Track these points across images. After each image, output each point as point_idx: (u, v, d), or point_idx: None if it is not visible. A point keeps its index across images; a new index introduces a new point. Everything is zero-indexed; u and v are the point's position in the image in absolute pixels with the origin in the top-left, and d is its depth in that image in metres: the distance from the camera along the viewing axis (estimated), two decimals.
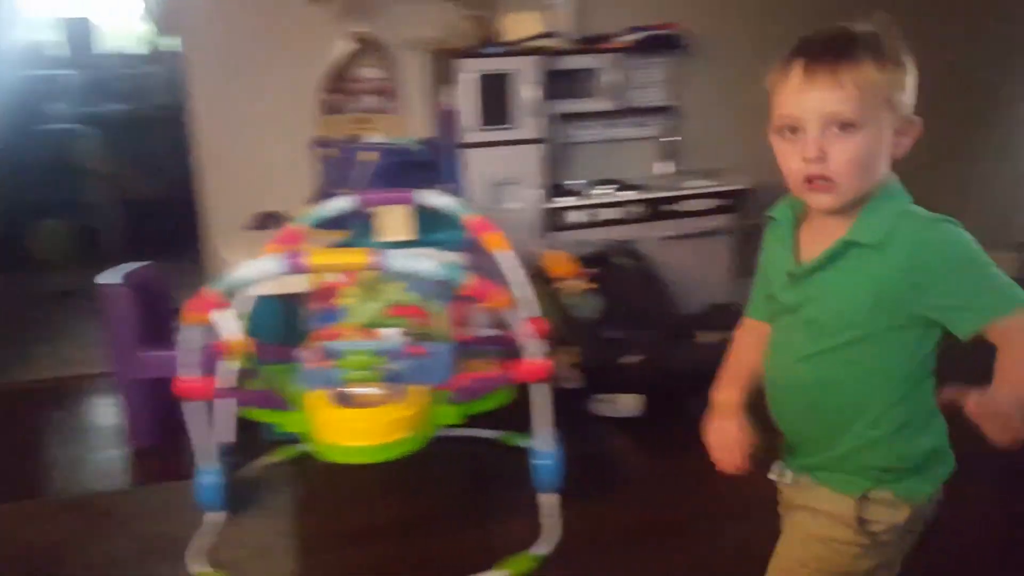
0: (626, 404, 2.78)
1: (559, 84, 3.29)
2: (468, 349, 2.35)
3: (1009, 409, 0.97)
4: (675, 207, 3.40)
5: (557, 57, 3.28)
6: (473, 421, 2.25)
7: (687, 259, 3.40)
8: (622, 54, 3.38)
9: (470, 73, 3.08)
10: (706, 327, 2.91)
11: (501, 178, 3.17)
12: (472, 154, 3.12)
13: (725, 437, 1.30)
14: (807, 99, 1.10)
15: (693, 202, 3.41)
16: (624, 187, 3.40)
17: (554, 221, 3.27)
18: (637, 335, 2.80)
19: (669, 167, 3.63)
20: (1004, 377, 1.03)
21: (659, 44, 3.43)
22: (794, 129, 1.12)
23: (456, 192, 2.87)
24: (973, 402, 0.97)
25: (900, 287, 1.10)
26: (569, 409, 2.82)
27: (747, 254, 3.65)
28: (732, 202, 3.46)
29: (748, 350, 1.34)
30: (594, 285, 2.87)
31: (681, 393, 2.86)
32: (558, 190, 3.34)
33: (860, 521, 1.20)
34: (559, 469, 2.20)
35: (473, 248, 2.51)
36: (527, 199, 3.21)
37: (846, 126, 1.09)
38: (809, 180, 1.12)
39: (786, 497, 1.33)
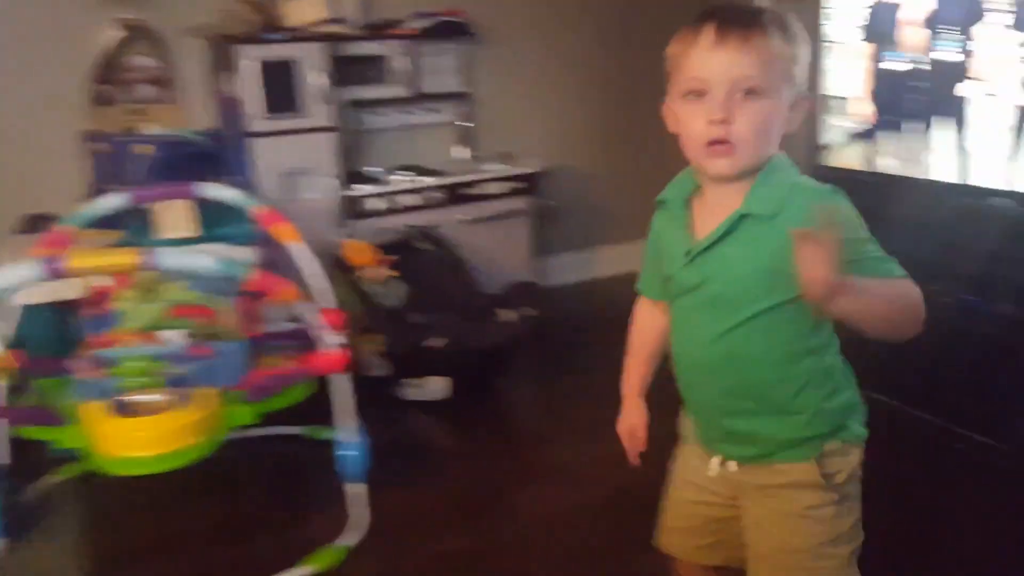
0: (434, 387, 2.79)
1: (349, 71, 3.24)
2: (261, 346, 2.28)
3: (829, 251, 0.98)
4: (473, 191, 3.44)
5: (344, 43, 3.22)
6: (276, 418, 2.20)
7: (487, 241, 3.45)
8: (411, 41, 3.37)
9: (252, 60, 2.97)
10: (507, 306, 2.96)
11: (293, 168, 3.08)
12: (260, 144, 3.01)
13: (629, 427, 1.40)
14: (717, 60, 1.10)
15: (490, 186, 3.47)
16: (422, 173, 3.40)
17: (353, 209, 3.22)
18: (441, 318, 2.81)
19: (466, 152, 3.66)
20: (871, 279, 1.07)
21: (448, 30, 3.44)
22: (700, 93, 1.12)
23: (244, 184, 2.77)
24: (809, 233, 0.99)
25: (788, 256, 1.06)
26: (378, 397, 2.82)
27: (544, 234, 3.81)
28: (527, 184, 3.54)
29: (646, 330, 1.39)
30: (396, 272, 2.86)
31: (485, 372, 2.93)
32: (356, 178, 3.30)
33: (824, 477, 1.21)
34: (364, 458, 2.17)
35: (266, 241, 2.44)
36: (323, 188, 3.14)
37: (751, 92, 1.10)
38: (711, 143, 1.12)
39: (737, 481, 1.28)
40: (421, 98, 3.50)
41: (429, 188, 3.33)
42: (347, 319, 2.78)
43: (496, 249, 3.49)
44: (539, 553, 2.06)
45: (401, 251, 2.97)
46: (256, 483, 2.44)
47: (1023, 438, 2.18)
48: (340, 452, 2.16)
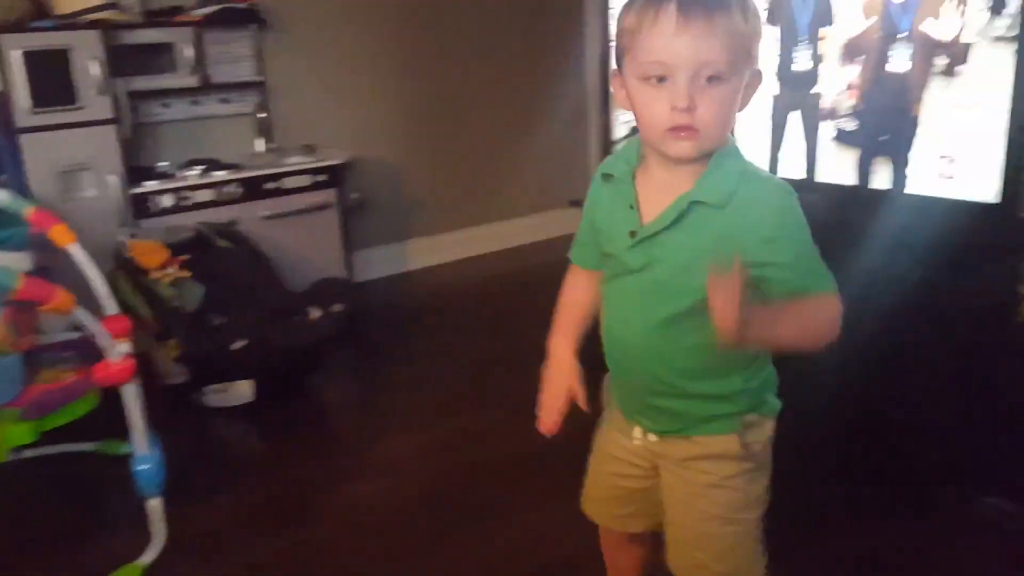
0: (238, 392, 2.67)
1: (130, 60, 3.04)
2: (39, 358, 2.09)
3: (737, 298, 0.99)
4: (274, 185, 3.31)
5: (124, 31, 3.01)
6: (66, 435, 2.04)
7: (293, 237, 3.34)
8: (198, 27, 3.19)
9: (17, 50, 2.71)
10: (315, 303, 2.87)
11: (70, 164, 2.85)
12: (30, 140, 2.76)
13: (564, 388, 1.32)
14: (681, 45, 1.04)
15: (292, 179, 3.35)
16: (218, 167, 3.24)
17: (142, 207, 3.03)
18: (242, 319, 2.68)
19: (264, 144, 3.52)
20: (782, 307, 1.10)
21: (237, 16, 3.29)
22: (661, 77, 1.07)
23: (13, 184, 2.53)
24: (722, 277, 1.00)
25: (739, 245, 1.07)
26: (178, 405, 2.67)
27: (354, 227, 3.74)
28: (331, 177, 3.44)
29: (578, 293, 1.35)
30: (189, 273, 2.70)
31: (293, 372, 2.84)
32: (143, 174, 3.10)
33: (743, 447, 1.24)
34: (159, 472, 2.04)
35: (41, 245, 2.23)
36: (103, 186, 2.92)
37: (714, 78, 1.06)
38: (675, 130, 1.08)
39: (657, 452, 1.31)
40: (212, 88, 3.33)
41: (224, 182, 3.18)
42: (137, 325, 2.61)
43: (303, 245, 3.39)
44: (351, 556, 1.99)
45: (196, 250, 2.81)
46: (45, 506, 2.24)
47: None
48: (136, 467, 2.03)
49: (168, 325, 2.64)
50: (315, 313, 2.81)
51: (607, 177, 1.24)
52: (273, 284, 2.96)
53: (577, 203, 3.21)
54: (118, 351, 1.93)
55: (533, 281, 3.91)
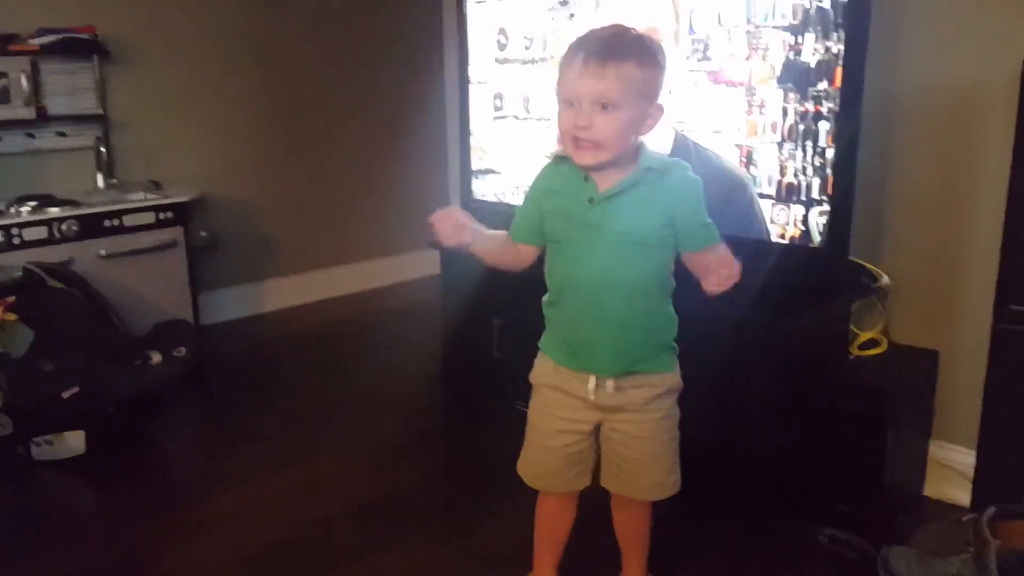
0: (67, 444, 2.50)
1: None
2: None
3: (732, 264, 1.48)
4: (115, 222, 3.15)
5: None
6: None
7: (134, 278, 3.19)
8: (34, 57, 3.03)
9: None
10: (156, 347, 2.74)
11: None
12: None
13: (458, 230, 1.57)
14: (582, 84, 1.44)
15: (134, 216, 3.20)
16: (52, 203, 3.06)
17: None
18: (74, 365, 2.52)
19: (106, 180, 3.35)
20: (717, 252, 1.52)
21: (75, 47, 3.14)
22: (570, 103, 1.46)
23: None
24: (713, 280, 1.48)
25: (673, 209, 1.51)
26: (2, 459, 2.48)
27: (202, 266, 3.60)
28: (177, 214, 3.31)
29: (503, 250, 1.66)
30: (15, 316, 2.52)
31: (129, 421, 2.68)
32: None
33: (680, 380, 1.67)
34: None
35: None
36: None
37: (607, 106, 1.43)
38: (576, 141, 1.47)
39: (602, 403, 1.61)
40: (49, 120, 3.16)
41: (57, 219, 3.00)
42: None
43: (147, 285, 3.24)
44: None
45: (25, 291, 2.63)
46: None
47: None
48: None
49: None
50: (156, 358, 2.68)
51: (560, 159, 1.57)
52: (110, 327, 2.81)
53: (435, 244, 3.24)
54: None
55: (390, 324, 3.88)
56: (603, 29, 1.50)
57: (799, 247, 2.20)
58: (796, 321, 2.15)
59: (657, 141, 2.13)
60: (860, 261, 2.35)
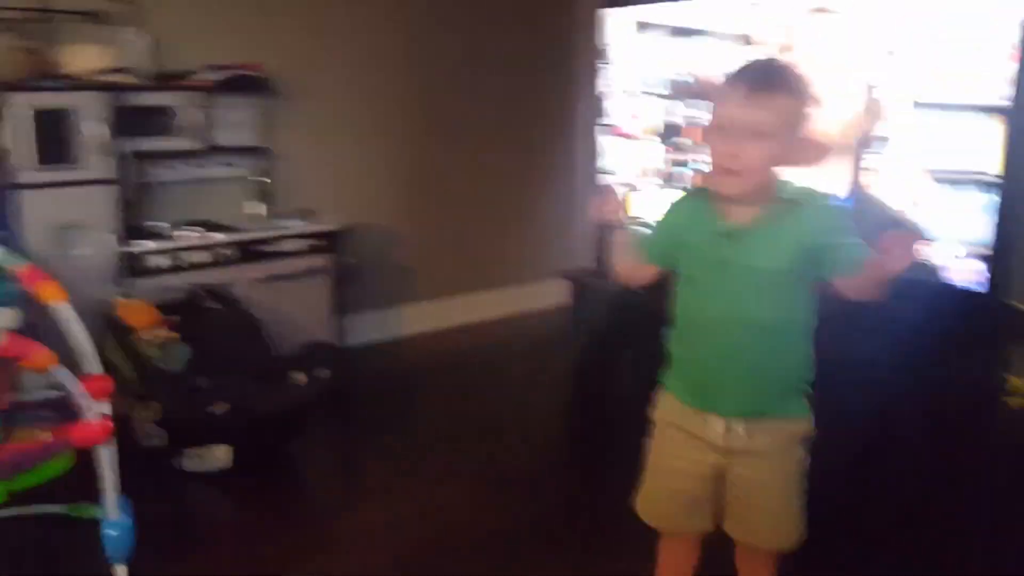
0: (215, 457, 2.64)
1: (135, 122, 3.09)
2: (14, 416, 2.08)
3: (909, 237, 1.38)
4: (268, 248, 3.34)
5: (130, 93, 3.07)
6: (39, 495, 2.03)
7: (284, 300, 3.35)
8: (204, 93, 3.26)
9: (22, 108, 2.77)
10: (301, 367, 2.86)
11: (66, 222, 2.88)
12: (28, 196, 2.80)
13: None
14: (739, 113, 1.44)
15: (286, 243, 3.38)
16: (213, 229, 3.28)
17: (134, 267, 3.05)
18: (225, 382, 2.68)
19: (261, 208, 3.56)
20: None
21: (243, 84, 3.36)
22: (723, 129, 1.45)
23: (7, 239, 2.55)
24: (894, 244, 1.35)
25: (809, 240, 1.46)
26: (154, 469, 2.64)
27: (346, 292, 3.75)
28: (326, 242, 3.48)
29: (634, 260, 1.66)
30: (176, 334, 2.71)
31: (273, 438, 2.81)
32: (139, 233, 3.12)
33: (812, 427, 1.59)
34: (129, 538, 2.02)
35: (28, 302, 2.24)
36: (97, 244, 2.95)
37: (758, 134, 1.43)
38: (724, 169, 1.46)
39: (729, 446, 1.56)
40: (214, 151, 3.38)
41: (219, 244, 3.20)
42: (120, 385, 2.60)
43: (294, 309, 3.40)
44: None
45: (185, 311, 2.83)
46: (9, 570, 2.20)
47: None
48: (105, 531, 2.01)
49: (150, 386, 2.63)
50: (300, 378, 2.81)
51: (698, 193, 1.58)
52: (260, 347, 2.96)
53: (566, 274, 3.25)
54: (96, 411, 1.91)
55: (522, 353, 3.92)
56: (758, 62, 1.53)
57: (954, 289, 2.08)
58: (944, 367, 2.03)
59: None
60: (1017, 304, 2.19)
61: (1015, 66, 1.96)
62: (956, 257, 2.09)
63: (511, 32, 4.25)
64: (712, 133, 1.49)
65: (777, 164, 1.48)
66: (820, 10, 2.38)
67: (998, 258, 2.02)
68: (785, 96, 1.45)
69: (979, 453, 2.00)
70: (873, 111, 2.24)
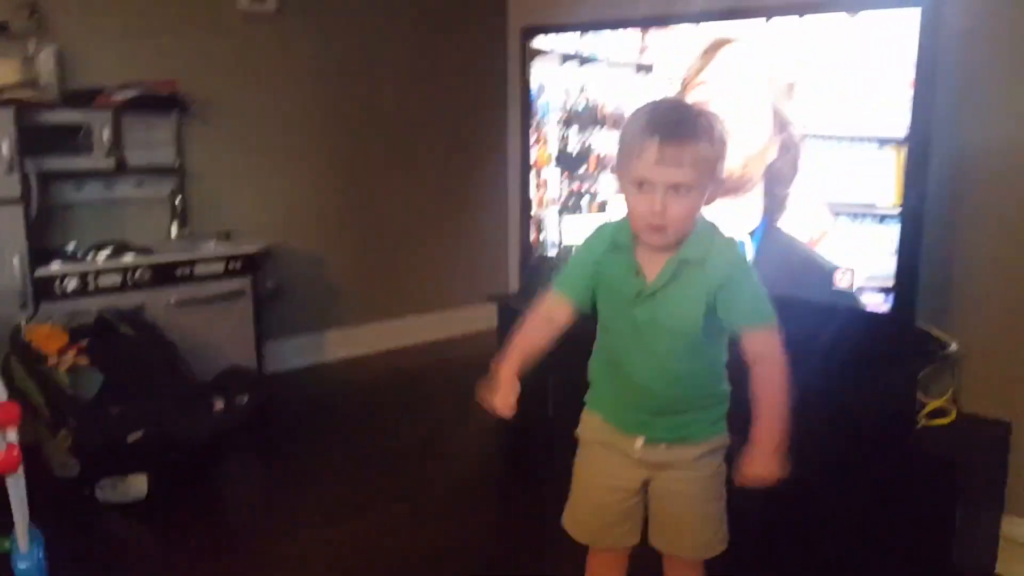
0: (131, 486, 2.55)
1: (43, 140, 2.99)
2: None
3: (772, 464, 1.47)
4: (186, 271, 3.25)
5: (39, 111, 2.97)
6: None
7: (202, 325, 3.26)
8: (118, 111, 3.17)
9: None
10: (220, 393, 2.80)
11: None
12: None
13: (502, 403, 1.56)
14: (659, 171, 1.41)
15: (205, 265, 3.29)
16: (128, 251, 3.17)
17: (43, 290, 2.93)
18: (141, 409, 2.59)
19: (179, 229, 3.47)
20: (761, 428, 1.48)
21: (156, 102, 3.28)
22: (642, 184, 1.43)
23: None
24: (747, 477, 1.48)
25: (713, 295, 1.47)
26: (68, 500, 2.54)
27: (268, 315, 3.68)
28: (246, 264, 3.41)
29: (538, 332, 1.61)
30: (87, 359, 2.61)
31: (192, 465, 2.73)
32: (48, 255, 3.00)
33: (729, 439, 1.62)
34: (40, 570, 1.93)
35: None
36: (7, 266, 2.82)
37: (681, 188, 1.41)
38: (650, 226, 1.45)
39: (654, 460, 1.60)
40: (126, 171, 3.28)
41: (132, 267, 3.10)
42: (30, 413, 2.50)
43: (213, 333, 3.31)
44: None
45: (97, 336, 2.72)
46: None
47: None
48: (17, 565, 1.92)
49: (61, 414, 2.53)
50: (219, 404, 2.74)
51: (616, 247, 1.55)
52: (177, 373, 2.87)
53: (494, 298, 3.25)
54: (4, 440, 1.83)
55: (448, 377, 3.90)
56: (669, 109, 1.48)
57: (864, 312, 2.16)
58: (859, 389, 2.10)
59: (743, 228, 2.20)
60: (928, 328, 2.30)
61: (911, 97, 2.05)
62: (868, 284, 2.18)
63: (441, 53, 4.26)
64: (629, 186, 1.47)
65: (699, 211, 1.48)
66: (724, 41, 2.46)
67: (903, 285, 2.11)
68: (701, 144, 1.42)
69: (895, 470, 2.07)
70: (783, 144, 2.31)
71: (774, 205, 2.35)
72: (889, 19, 2.09)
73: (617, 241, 1.55)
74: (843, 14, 2.17)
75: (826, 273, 2.25)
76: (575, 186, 2.92)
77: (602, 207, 2.84)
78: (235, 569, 2.26)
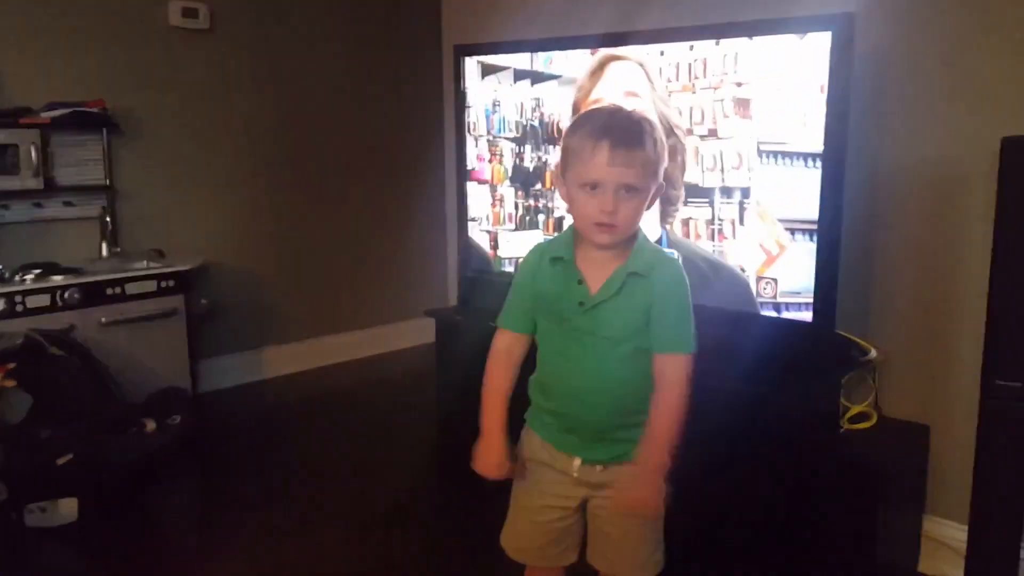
0: (60, 511, 2.50)
1: None
2: None
3: (651, 488, 1.49)
4: (117, 290, 3.19)
5: None
6: None
7: (134, 345, 3.21)
8: (45, 129, 3.12)
9: None
10: (151, 414, 2.75)
11: None
12: None
13: (493, 464, 1.59)
14: (610, 172, 1.46)
15: (136, 284, 3.24)
16: (56, 271, 3.11)
17: None
18: (70, 432, 2.54)
19: (110, 248, 3.41)
20: (647, 450, 1.50)
21: (84, 120, 3.24)
22: (594, 187, 1.47)
23: None
24: (625, 501, 1.52)
25: (651, 308, 1.51)
26: None
27: (202, 334, 3.64)
28: (179, 283, 3.36)
29: (510, 363, 1.63)
30: (14, 382, 2.55)
31: (124, 488, 2.68)
32: None
33: None
34: None
35: None
36: None
37: (630, 190, 1.47)
38: (599, 224, 1.48)
39: (592, 480, 1.61)
40: (54, 191, 3.23)
41: (60, 287, 3.04)
42: None
43: (145, 353, 3.26)
44: None
45: (24, 358, 2.66)
46: None
47: None
48: None
49: None
50: (150, 425, 2.70)
51: (556, 260, 1.57)
52: (107, 394, 2.83)
53: (432, 312, 3.27)
54: None
55: (387, 392, 3.90)
56: (613, 115, 1.52)
57: (787, 321, 2.23)
58: (784, 395, 2.17)
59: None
60: (848, 335, 2.38)
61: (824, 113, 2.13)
62: (791, 295, 2.25)
63: (376, 69, 4.28)
64: (577, 189, 1.50)
65: (642, 213, 1.53)
66: (611, 58, 2.54)
67: (824, 293, 2.18)
68: (647, 148, 1.48)
69: (819, 473, 2.14)
70: (671, 149, 2.38)
71: (668, 211, 2.43)
72: (806, 41, 2.17)
73: (554, 254, 1.57)
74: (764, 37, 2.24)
75: (740, 279, 2.31)
76: (531, 203, 2.95)
77: (559, 224, 2.87)
78: None
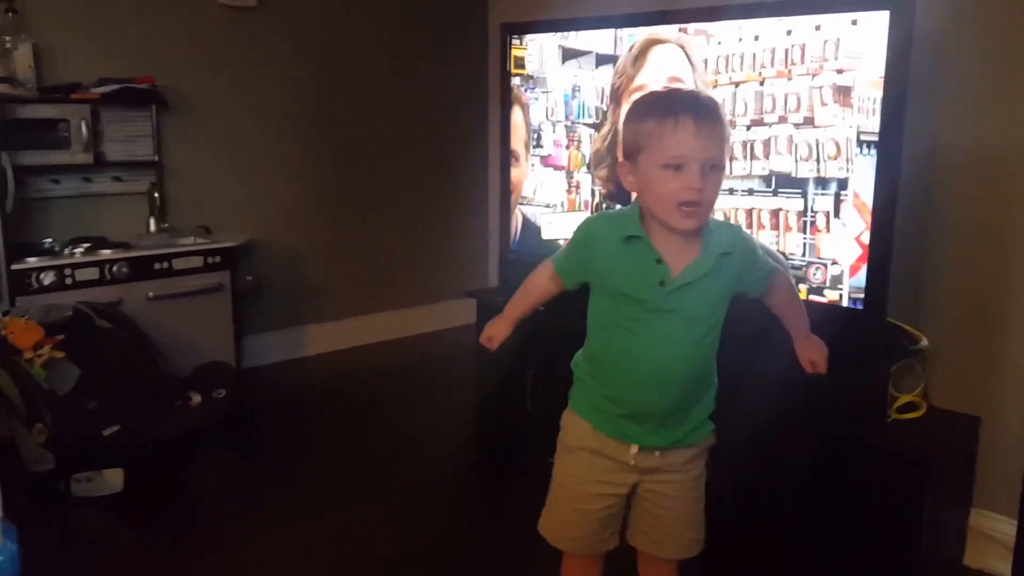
0: (106, 481, 2.55)
1: (24, 134, 2.98)
2: None
3: (818, 344, 1.71)
4: (164, 265, 3.24)
5: (16, 106, 2.96)
6: None
7: (180, 319, 3.26)
8: (95, 105, 3.16)
9: None
10: (196, 388, 2.79)
11: None
12: None
13: (491, 335, 1.76)
14: (697, 146, 1.41)
15: (183, 260, 3.29)
16: (105, 246, 3.16)
17: (22, 284, 2.91)
18: (116, 404, 2.58)
19: (158, 224, 3.46)
20: (798, 326, 1.72)
21: (135, 96, 3.27)
22: (679, 166, 1.41)
23: None
24: (814, 361, 1.71)
25: (737, 281, 1.55)
26: (41, 494, 2.53)
27: (246, 310, 3.68)
28: (225, 259, 3.40)
29: (544, 290, 1.70)
30: (63, 354, 2.60)
31: (167, 460, 2.73)
32: (24, 249, 2.99)
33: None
34: (14, 565, 1.93)
35: None
36: None
37: (716, 167, 1.44)
38: (685, 204, 1.42)
39: (647, 465, 1.60)
40: (105, 166, 3.28)
41: (108, 261, 3.09)
42: (4, 407, 2.49)
43: (191, 328, 3.31)
44: None
45: (73, 330, 2.71)
46: None
47: None
48: None
49: (36, 408, 2.52)
50: (195, 399, 2.74)
51: (630, 239, 1.51)
52: (153, 368, 2.87)
53: (473, 294, 3.26)
54: None
55: (426, 372, 3.91)
56: (686, 93, 1.58)
57: (836, 308, 2.19)
58: (832, 382, 2.12)
59: None
60: (898, 323, 2.32)
61: (880, 96, 2.06)
62: (841, 281, 2.20)
63: (423, 48, 4.27)
64: (657, 170, 1.43)
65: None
66: (655, 41, 2.48)
67: (875, 280, 2.13)
68: (725, 124, 1.46)
69: (866, 463, 2.10)
70: None
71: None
72: (862, 21, 2.10)
73: (629, 232, 1.51)
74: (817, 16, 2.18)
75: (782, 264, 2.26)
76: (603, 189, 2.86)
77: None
78: (209, 564, 2.26)
